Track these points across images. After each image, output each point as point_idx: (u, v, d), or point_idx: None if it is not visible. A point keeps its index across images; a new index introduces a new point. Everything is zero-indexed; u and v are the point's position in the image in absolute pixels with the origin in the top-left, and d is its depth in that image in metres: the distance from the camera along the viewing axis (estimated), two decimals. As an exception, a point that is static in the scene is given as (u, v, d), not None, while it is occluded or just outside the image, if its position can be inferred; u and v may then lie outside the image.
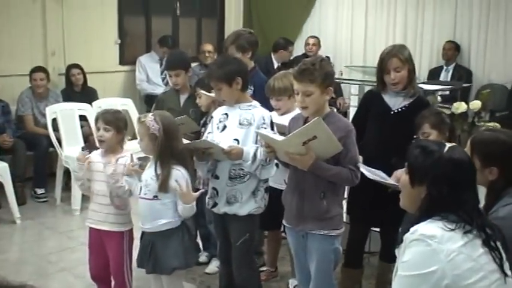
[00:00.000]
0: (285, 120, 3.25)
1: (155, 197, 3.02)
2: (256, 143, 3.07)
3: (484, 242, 1.87)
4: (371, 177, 3.15)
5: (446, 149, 1.99)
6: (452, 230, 1.85)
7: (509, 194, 2.30)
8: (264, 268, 4.01)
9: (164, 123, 2.99)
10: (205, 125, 3.69)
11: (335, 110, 2.95)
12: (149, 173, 3.06)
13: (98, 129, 3.27)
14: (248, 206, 3.13)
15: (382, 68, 3.33)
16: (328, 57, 7.63)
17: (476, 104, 4.50)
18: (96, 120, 3.31)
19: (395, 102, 3.36)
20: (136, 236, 3.28)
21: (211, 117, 3.33)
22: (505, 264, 1.89)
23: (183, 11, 7.82)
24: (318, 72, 2.74)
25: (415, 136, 3.16)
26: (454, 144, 2.11)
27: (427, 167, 1.96)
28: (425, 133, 3.14)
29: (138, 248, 3.20)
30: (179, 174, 2.98)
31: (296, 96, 2.86)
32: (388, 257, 3.27)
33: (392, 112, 3.36)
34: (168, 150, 2.98)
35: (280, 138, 2.87)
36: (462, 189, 1.93)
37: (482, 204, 2.32)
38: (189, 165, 3.10)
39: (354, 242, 3.51)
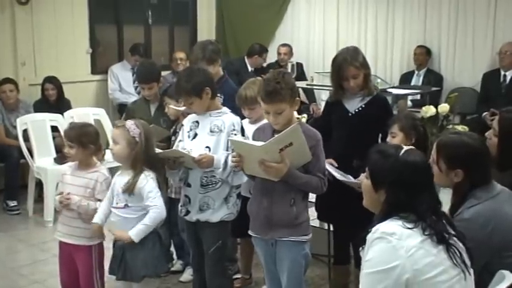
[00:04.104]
0: (255, 127, 3.26)
1: (126, 206, 3.01)
2: (227, 149, 3.08)
3: (440, 240, 1.91)
4: (339, 178, 3.22)
5: (402, 152, 2.04)
6: (411, 229, 1.90)
7: (474, 195, 2.34)
8: (238, 275, 4.00)
9: (144, 129, 3.03)
10: (175, 133, 3.69)
11: (306, 116, 2.98)
12: (121, 182, 3.03)
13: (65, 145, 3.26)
14: (220, 212, 3.14)
15: (340, 76, 3.42)
16: (300, 63, 7.71)
17: (444, 108, 4.57)
18: (64, 135, 3.30)
19: (353, 104, 3.48)
20: (109, 245, 3.24)
21: (182, 125, 3.33)
22: (466, 260, 1.93)
23: (155, 20, 7.80)
24: (285, 90, 2.75)
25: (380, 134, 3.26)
26: (411, 147, 2.16)
27: (385, 171, 2.02)
28: (392, 133, 3.23)
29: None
30: (142, 177, 2.97)
31: (266, 115, 2.85)
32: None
33: (350, 114, 3.46)
34: (143, 157, 2.99)
35: (258, 144, 2.80)
36: (418, 191, 1.97)
37: (448, 206, 2.36)
38: (161, 173, 3.09)
39: (339, 241, 3.72)
